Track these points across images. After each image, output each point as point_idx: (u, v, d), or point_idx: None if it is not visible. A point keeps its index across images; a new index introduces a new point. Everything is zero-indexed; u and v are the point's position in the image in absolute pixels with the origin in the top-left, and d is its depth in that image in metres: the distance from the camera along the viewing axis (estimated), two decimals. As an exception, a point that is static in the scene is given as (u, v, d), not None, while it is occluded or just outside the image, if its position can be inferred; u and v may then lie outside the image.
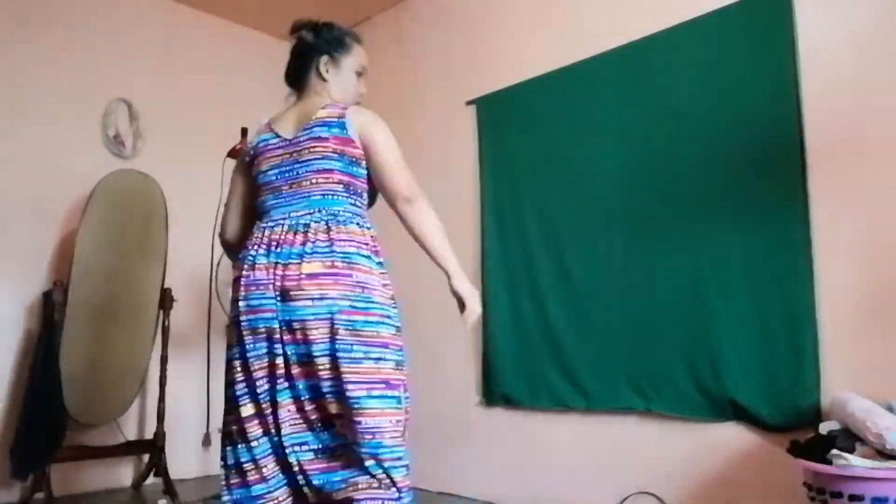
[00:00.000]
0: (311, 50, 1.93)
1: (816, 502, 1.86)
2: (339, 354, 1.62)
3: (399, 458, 1.64)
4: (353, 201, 1.79)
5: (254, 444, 1.69)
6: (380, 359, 1.66)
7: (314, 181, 1.75)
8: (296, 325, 1.64)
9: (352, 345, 1.63)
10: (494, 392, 3.27)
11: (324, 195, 1.75)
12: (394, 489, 1.62)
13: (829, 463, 1.82)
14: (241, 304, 1.71)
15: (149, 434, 3.55)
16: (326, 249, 1.67)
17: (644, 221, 2.80)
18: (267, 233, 1.74)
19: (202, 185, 3.51)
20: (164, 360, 3.46)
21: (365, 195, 1.85)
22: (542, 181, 3.17)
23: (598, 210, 2.95)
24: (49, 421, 3.02)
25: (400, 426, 1.67)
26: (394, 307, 1.76)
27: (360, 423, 1.61)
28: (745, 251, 2.50)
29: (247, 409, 1.70)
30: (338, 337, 1.62)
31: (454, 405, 3.46)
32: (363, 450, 1.61)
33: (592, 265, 2.95)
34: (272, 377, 1.68)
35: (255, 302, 1.68)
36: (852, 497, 1.73)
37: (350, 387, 1.61)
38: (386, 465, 1.62)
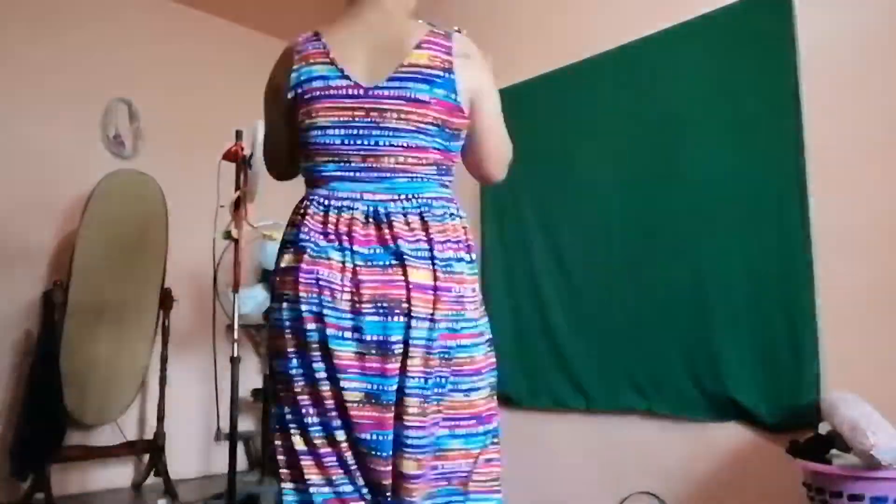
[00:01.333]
0: None
1: (816, 502, 1.86)
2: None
3: None
4: (445, 182, 1.37)
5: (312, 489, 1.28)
6: (471, 390, 1.31)
7: (401, 161, 1.29)
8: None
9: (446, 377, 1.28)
10: (494, 392, 3.26)
11: (412, 178, 1.31)
12: None
13: (829, 463, 1.82)
14: (303, 307, 1.25)
15: (149, 434, 3.55)
16: (426, 254, 1.27)
17: (644, 221, 2.80)
18: (333, 217, 1.29)
19: (202, 185, 3.50)
20: (164, 360, 3.46)
21: (453, 170, 1.41)
22: (542, 181, 3.17)
23: (598, 210, 2.95)
24: (49, 421, 3.02)
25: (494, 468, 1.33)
26: (484, 319, 1.40)
27: (436, 466, 1.28)
28: (745, 251, 2.50)
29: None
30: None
31: (454, 405, 3.46)
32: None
33: (592, 265, 2.95)
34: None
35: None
36: (852, 497, 1.73)
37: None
38: None
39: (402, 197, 1.29)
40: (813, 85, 2.40)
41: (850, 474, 1.74)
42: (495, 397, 1.36)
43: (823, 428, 2.04)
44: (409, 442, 1.23)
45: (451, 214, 1.34)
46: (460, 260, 1.31)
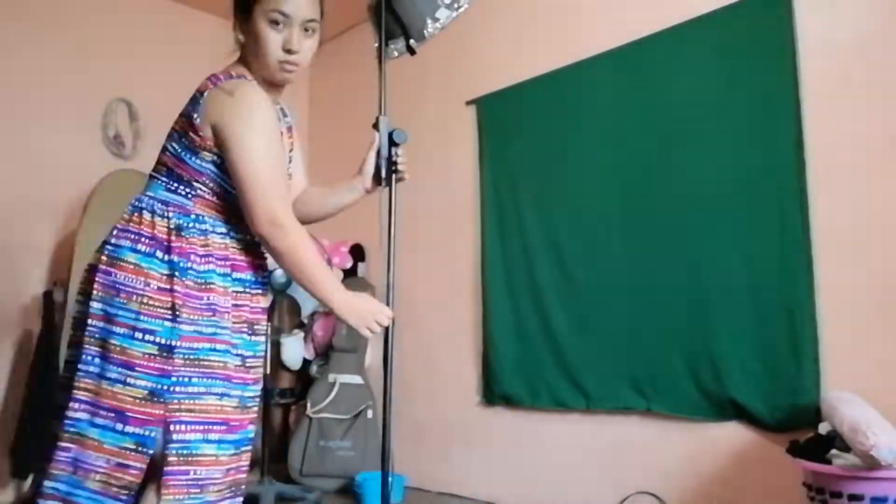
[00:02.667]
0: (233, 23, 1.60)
1: (816, 502, 1.85)
2: None
3: None
4: (171, 188, 1.59)
5: None
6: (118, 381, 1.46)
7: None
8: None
9: None
10: (494, 392, 3.27)
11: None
12: None
13: (829, 463, 1.82)
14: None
15: (149, 434, 3.54)
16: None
17: (644, 221, 2.80)
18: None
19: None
20: (164, 360, 3.46)
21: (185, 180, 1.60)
22: (542, 181, 3.17)
23: (598, 210, 2.95)
24: (49, 421, 3.02)
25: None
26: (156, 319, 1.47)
27: None
28: (745, 251, 2.50)
29: None
30: None
31: (454, 405, 3.46)
32: None
33: (592, 265, 2.95)
34: None
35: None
36: (852, 497, 1.73)
37: None
38: None
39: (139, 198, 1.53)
40: (813, 85, 2.40)
41: (850, 474, 1.74)
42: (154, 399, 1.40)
43: (823, 428, 2.04)
44: None
45: (152, 212, 1.49)
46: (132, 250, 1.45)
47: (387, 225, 1.83)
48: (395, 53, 2.01)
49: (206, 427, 1.42)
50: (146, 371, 1.38)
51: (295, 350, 3.81)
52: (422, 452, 3.58)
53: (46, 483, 1.41)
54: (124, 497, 1.38)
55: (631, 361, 2.79)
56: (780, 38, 2.46)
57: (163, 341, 1.40)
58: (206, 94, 1.49)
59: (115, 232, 1.48)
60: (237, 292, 1.52)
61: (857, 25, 2.34)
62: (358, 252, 4.03)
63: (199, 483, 1.41)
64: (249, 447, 1.55)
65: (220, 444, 1.45)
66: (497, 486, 3.22)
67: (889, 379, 2.15)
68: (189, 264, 1.44)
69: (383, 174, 1.80)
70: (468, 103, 3.56)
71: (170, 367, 1.39)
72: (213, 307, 1.46)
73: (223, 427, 1.45)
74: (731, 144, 2.57)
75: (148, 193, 1.51)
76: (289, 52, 1.50)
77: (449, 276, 3.57)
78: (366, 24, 4.06)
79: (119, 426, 1.38)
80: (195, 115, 1.47)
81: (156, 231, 1.45)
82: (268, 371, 3.59)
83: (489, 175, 3.41)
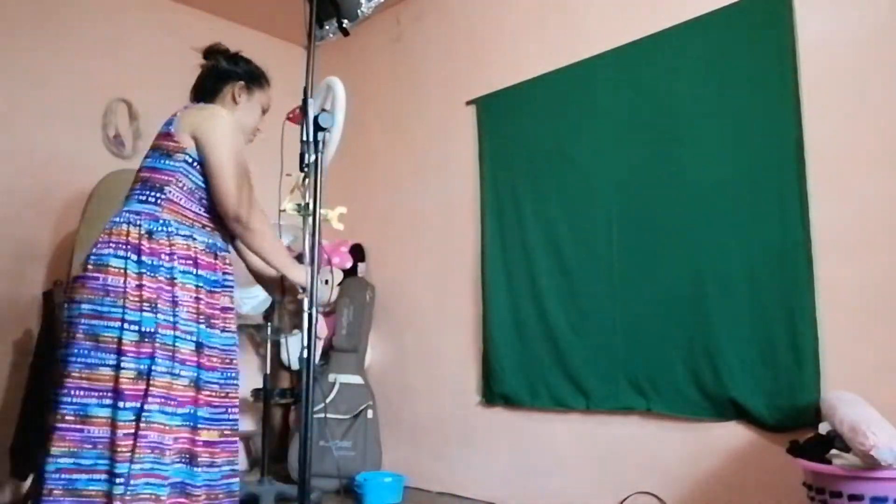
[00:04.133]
0: (227, 75, 2.07)
1: (816, 502, 1.86)
2: None
3: None
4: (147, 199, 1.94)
5: None
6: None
7: None
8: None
9: None
10: (494, 392, 3.27)
11: None
12: None
13: (829, 463, 1.82)
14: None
15: (149, 434, 3.54)
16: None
17: (644, 221, 2.80)
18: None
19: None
20: (164, 360, 3.46)
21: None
22: (542, 181, 3.17)
23: (598, 210, 2.95)
24: (49, 421, 3.02)
25: None
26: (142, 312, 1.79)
27: None
28: (745, 251, 2.50)
29: None
30: None
31: (454, 405, 3.46)
32: None
33: (592, 265, 2.95)
34: None
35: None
36: (852, 497, 1.73)
37: None
38: None
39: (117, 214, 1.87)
40: (813, 85, 2.40)
41: (850, 474, 1.74)
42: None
43: (823, 428, 2.04)
44: None
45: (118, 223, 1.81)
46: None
47: (313, 215, 1.77)
48: (331, 35, 2.00)
49: (162, 400, 1.72)
50: (134, 356, 1.69)
51: (295, 350, 3.81)
52: (422, 452, 3.58)
53: (50, 461, 1.66)
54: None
55: (631, 361, 2.79)
56: (780, 38, 2.46)
57: (144, 329, 1.71)
58: (179, 112, 1.90)
59: (97, 244, 1.78)
60: (198, 286, 1.83)
61: (857, 25, 2.34)
62: (358, 252, 4.04)
63: (153, 446, 1.70)
64: (203, 425, 1.81)
65: (171, 415, 1.74)
66: (497, 486, 3.22)
67: (889, 379, 2.15)
68: (160, 262, 1.77)
69: (308, 160, 1.78)
70: (468, 103, 3.56)
71: (149, 350, 1.71)
72: (175, 299, 1.77)
73: (174, 402, 1.74)
74: (731, 144, 2.57)
75: (124, 209, 1.84)
76: (258, 130, 2.13)
77: (449, 276, 3.57)
78: (370, 20, 4.07)
79: (120, 403, 1.67)
80: (171, 128, 1.86)
81: (129, 238, 1.76)
82: (268, 371, 3.60)
83: (489, 175, 3.41)
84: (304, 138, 1.78)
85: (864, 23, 2.32)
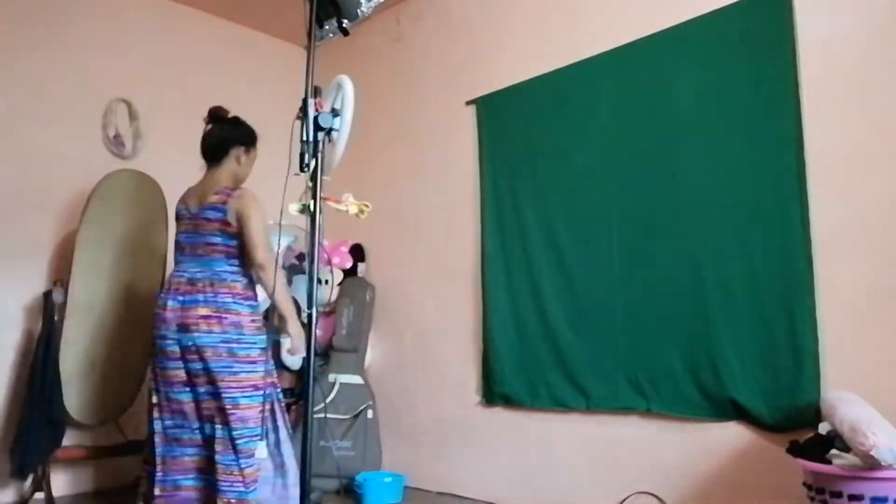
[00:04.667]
0: (230, 143, 2.58)
1: (816, 502, 1.86)
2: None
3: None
4: (230, 262, 2.49)
5: None
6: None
7: (207, 249, 2.48)
8: (193, 349, 2.36)
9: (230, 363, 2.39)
10: (494, 392, 3.27)
11: (211, 259, 2.48)
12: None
13: (829, 463, 1.82)
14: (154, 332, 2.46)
15: (149, 434, 3.54)
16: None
17: (643, 221, 2.80)
18: (174, 279, 2.48)
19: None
20: (164, 360, 3.45)
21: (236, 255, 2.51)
22: (542, 181, 3.17)
23: (598, 210, 2.95)
24: (49, 421, 3.02)
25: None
26: (258, 335, 2.47)
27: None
28: (745, 251, 2.50)
29: None
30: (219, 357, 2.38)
31: (454, 405, 3.47)
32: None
33: (592, 265, 2.95)
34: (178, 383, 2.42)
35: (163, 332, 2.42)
36: (852, 497, 1.73)
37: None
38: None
39: (206, 268, 2.47)
40: (813, 85, 2.40)
41: (850, 474, 1.74)
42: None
43: (823, 428, 2.04)
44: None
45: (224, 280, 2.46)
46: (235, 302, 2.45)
47: (314, 216, 1.77)
48: (331, 35, 2.00)
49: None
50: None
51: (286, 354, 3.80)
52: (422, 452, 3.58)
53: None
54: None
55: (631, 361, 2.79)
56: (780, 38, 2.46)
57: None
58: (228, 203, 2.46)
59: (216, 290, 2.43)
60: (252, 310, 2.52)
61: (857, 25, 2.34)
62: (358, 252, 4.04)
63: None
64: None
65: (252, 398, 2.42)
66: (497, 486, 3.22)
67: (889, 379, 2.15)
68: (249, 302, 2.50)
69: (307, 160, 1.77)
70: (468, 103, 3.56)
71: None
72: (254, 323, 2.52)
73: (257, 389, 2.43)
74: (731, 144, 2.57)
75: (213, 268, 2.47)
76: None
77: (449, 275, 3.57)
78: (370, 20, 4.06)
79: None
80: (226, 216, 2.45)
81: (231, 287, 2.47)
82: (268, 371, 3.59)
83: (489, 175, 3.41)
84: (304, 138, 1.78)
85: (864, 23, 2.32)
